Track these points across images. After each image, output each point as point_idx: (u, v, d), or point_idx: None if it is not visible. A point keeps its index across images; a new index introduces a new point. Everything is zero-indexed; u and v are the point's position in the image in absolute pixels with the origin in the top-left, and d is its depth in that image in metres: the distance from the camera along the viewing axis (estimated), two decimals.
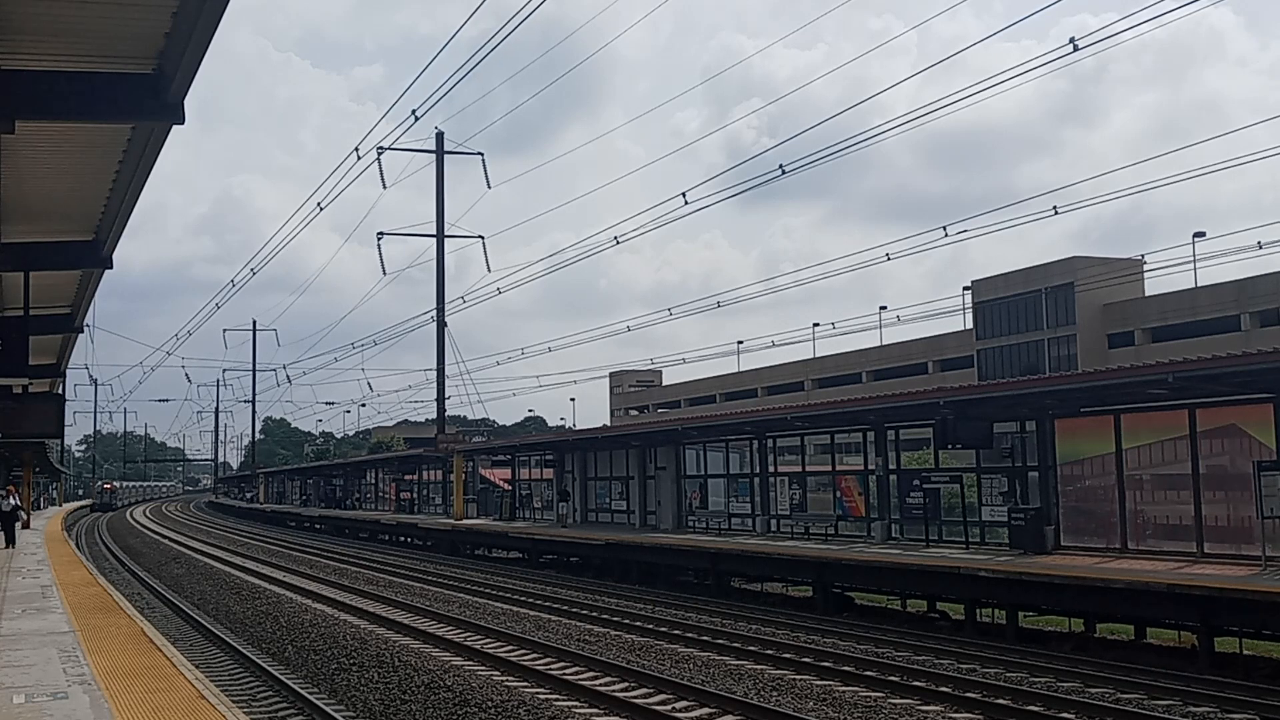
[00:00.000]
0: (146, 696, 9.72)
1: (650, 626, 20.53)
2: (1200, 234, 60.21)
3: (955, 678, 15.09)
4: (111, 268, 14.77)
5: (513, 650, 17.82)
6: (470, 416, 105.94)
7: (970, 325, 76.98)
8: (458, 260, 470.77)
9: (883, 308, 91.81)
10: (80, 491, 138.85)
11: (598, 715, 13.16)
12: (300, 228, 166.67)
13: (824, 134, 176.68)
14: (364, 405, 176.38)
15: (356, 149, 39.24)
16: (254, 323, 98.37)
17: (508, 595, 26.43)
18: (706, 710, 13.42)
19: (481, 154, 56.50)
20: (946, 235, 28.94)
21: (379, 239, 50.26)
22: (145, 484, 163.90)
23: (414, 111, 30.59)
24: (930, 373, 78.29)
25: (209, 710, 9.16)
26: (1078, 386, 20.71)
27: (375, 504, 69.02)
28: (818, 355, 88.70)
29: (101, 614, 16.02)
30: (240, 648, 19.03)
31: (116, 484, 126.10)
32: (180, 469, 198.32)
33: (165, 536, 57.11)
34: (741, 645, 18.09)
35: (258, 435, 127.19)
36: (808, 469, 31.34)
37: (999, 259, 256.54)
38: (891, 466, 26.81)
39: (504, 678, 15.38)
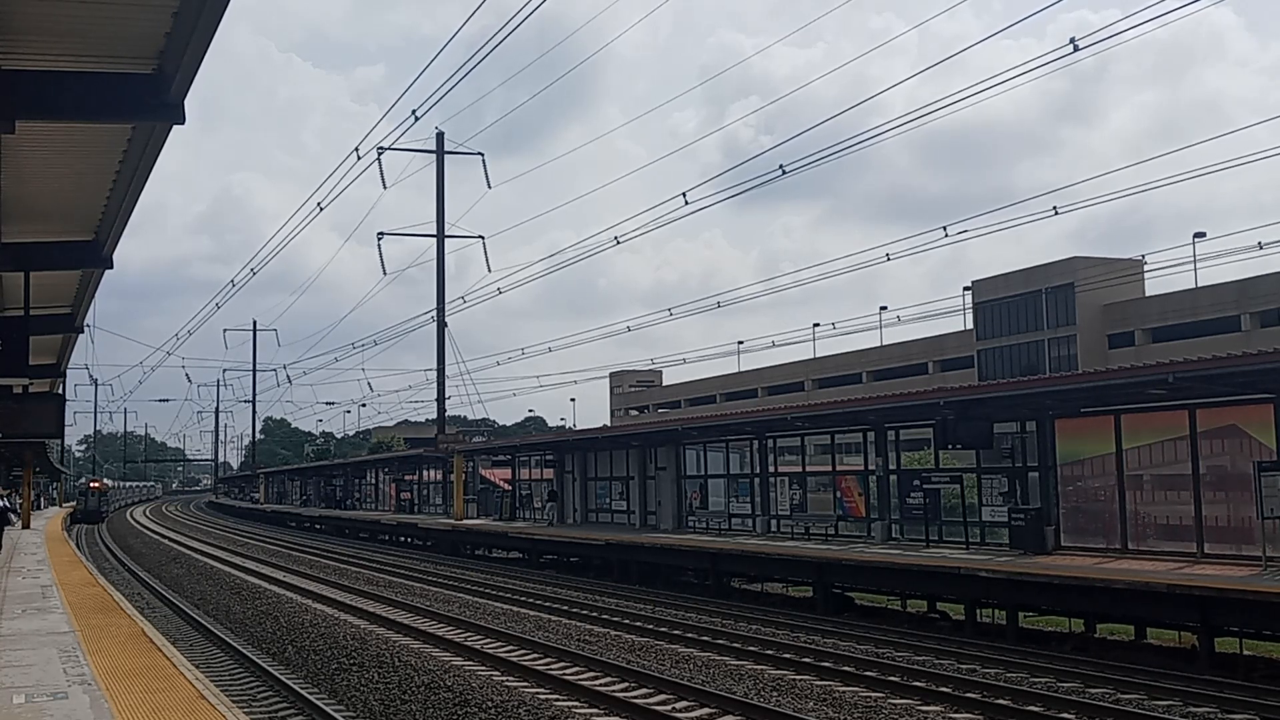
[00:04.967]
0: (146, 696, 9.72)
1: (650, 627, 20.53)
2: (1200, 234, 60.34)
3: (955, 678, 15.09)
4: (112, 268, 14.75)
5: (513, 650, 17.81)
6: (470, 416, 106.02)
7: (970, 325, 77.00)
8: (458, 260, 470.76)
9: (883, 308, 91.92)
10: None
11: (598, 715, 13.16)
12: (300, 228, 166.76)
13: (824, 134, 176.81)
14: (364, 405, 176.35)
15: (356, 149, 39.27)
16: (254, 323, 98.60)
17: (508, 595, 26.42)
18: (707, 710, 13.42)
19: (482, 154, 56.63)
20: (946, 235, 28.96)
21: (379, 239, 50.37)
22: (126, 484, 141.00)
23: (414, 112, 30.59)
24: (930, 373, 78.30)
25: (209, 710, 9.16)
26: (1078, 387, 20.71)
27: (375, 504, 69.02)
28: (818, 355, 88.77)
29: (101, 614, 16.02)
30: (240, 648, 19.03)
31: (109, 483, 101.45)
32: (180, 469, 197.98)
33: (165, 537, 57.11)
34: (741, 645, 18.09)
35: (258, 435, 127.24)
36: (808, 469, 31.32)
37: (998, 259, 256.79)
38: (892, 467, 26.79)
39: (504, 678, 15.38)
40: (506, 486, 50.24)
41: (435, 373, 49.49)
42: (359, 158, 33.01)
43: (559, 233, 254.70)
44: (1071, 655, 17.23)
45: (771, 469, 30.50)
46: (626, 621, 21.34)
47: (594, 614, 22.60)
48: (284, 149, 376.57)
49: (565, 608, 23.60)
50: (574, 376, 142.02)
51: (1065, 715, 12.98)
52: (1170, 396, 19.44)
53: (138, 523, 76.36)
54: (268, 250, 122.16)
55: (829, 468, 29.69)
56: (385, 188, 57.06)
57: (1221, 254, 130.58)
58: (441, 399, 49.60)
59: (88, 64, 8.48)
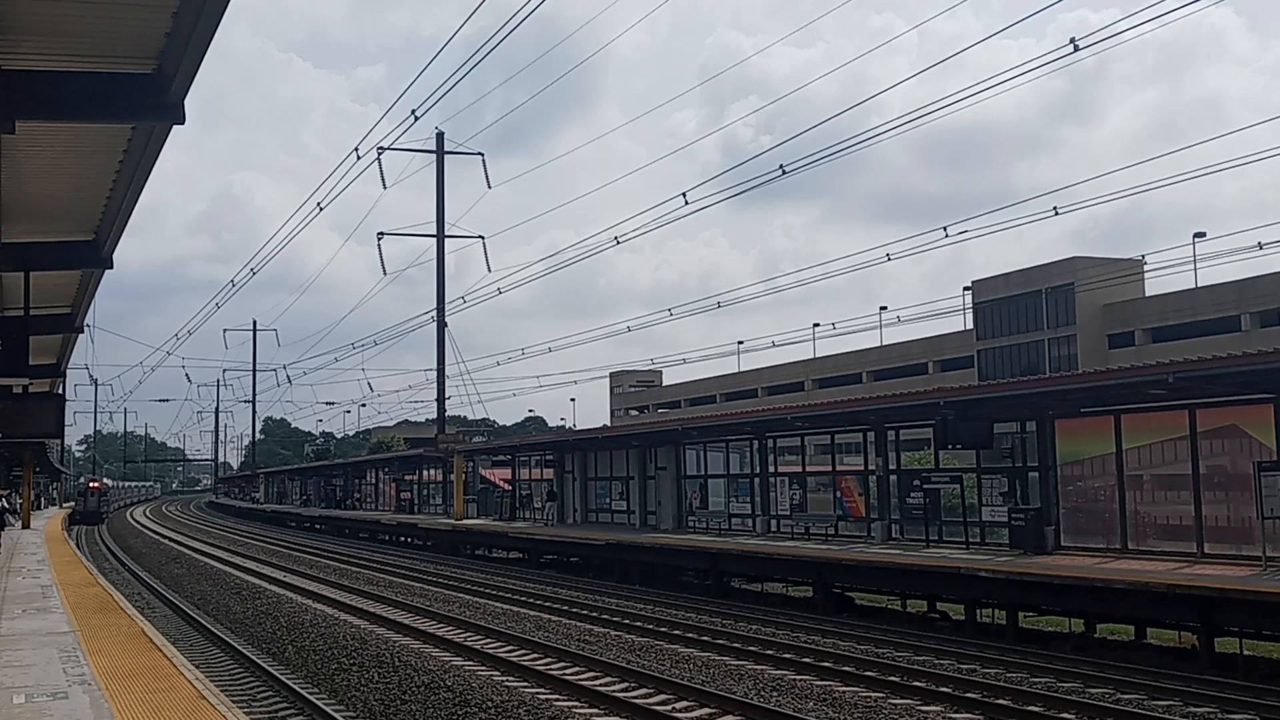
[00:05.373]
0: (146, 696, 9.72)
1: (650, 626, 20.53)
2: (1200, 234, 60.34)
3: (955, 678, 15.09)
4: (112, 268, 14.77)
5: (513, 650, 17.82)
6: (470, 416, 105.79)
7: (970, 325, 76.98)
8: (458, 260, 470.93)
9: (883, 308, 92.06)
10: None
11: (598, 715, 13.16)
12: (300, 227, 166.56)
13: (824, 133, 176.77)
14: (364, 405, 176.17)
15: (356, 149, 39.23)
16: (254, 323, 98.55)
17: (508, 595, 26.42)
18: (706, 710, 13.42)
19: (481, 154, 56.75)
20: (946, 235, 28.95)
21: (379, 239, 50.29)
22: (126, 484, 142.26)
23: (414, 112, 30.57)
24: (930, 373, 78.26)
25: (209, 710, 9.16)
26: (1078, 387, 20.71)
27: (375, 504, 69.02)
28: (818, 355, 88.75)
29: (101, 614, 16.03)
30: (240, 648, 19.03)
31: (108, 483, 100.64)
32: (180, 469, 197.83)
33: (165, 537, 57.12)
34: (741, 645, 18.09)
35: (258, 435, 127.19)
36: (808, 469, 31.33)
37: (998, 259, 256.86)
38: (892, 467, 26.79)
39: (504, 678, 15.38)
40: (506, 486, 50.23)
41: (435, 373, 49.51)
42: (359, 158, 33.02)
43: (559, 233, 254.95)
44: (1071, 655, 17.22)
45: (771, 469, 30.50)
46: (626, 621, 21.34)
47: (594, 614, 22.60)
48: (284, 149, 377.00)
49: (565, 608, 23.59)
50: (574, 376, 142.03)
51: (1065, 715, 12.98)
52: (1170, 396, 19.44)
53: (137, 523, 76.33)
54: (268, 250, 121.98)
55: (829, 468, 29.69)
56: (385, 188, 56.98)
57: (1221, 254, 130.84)
58: (441, 399, 49.61)
59: (88, 64, 8.48)
